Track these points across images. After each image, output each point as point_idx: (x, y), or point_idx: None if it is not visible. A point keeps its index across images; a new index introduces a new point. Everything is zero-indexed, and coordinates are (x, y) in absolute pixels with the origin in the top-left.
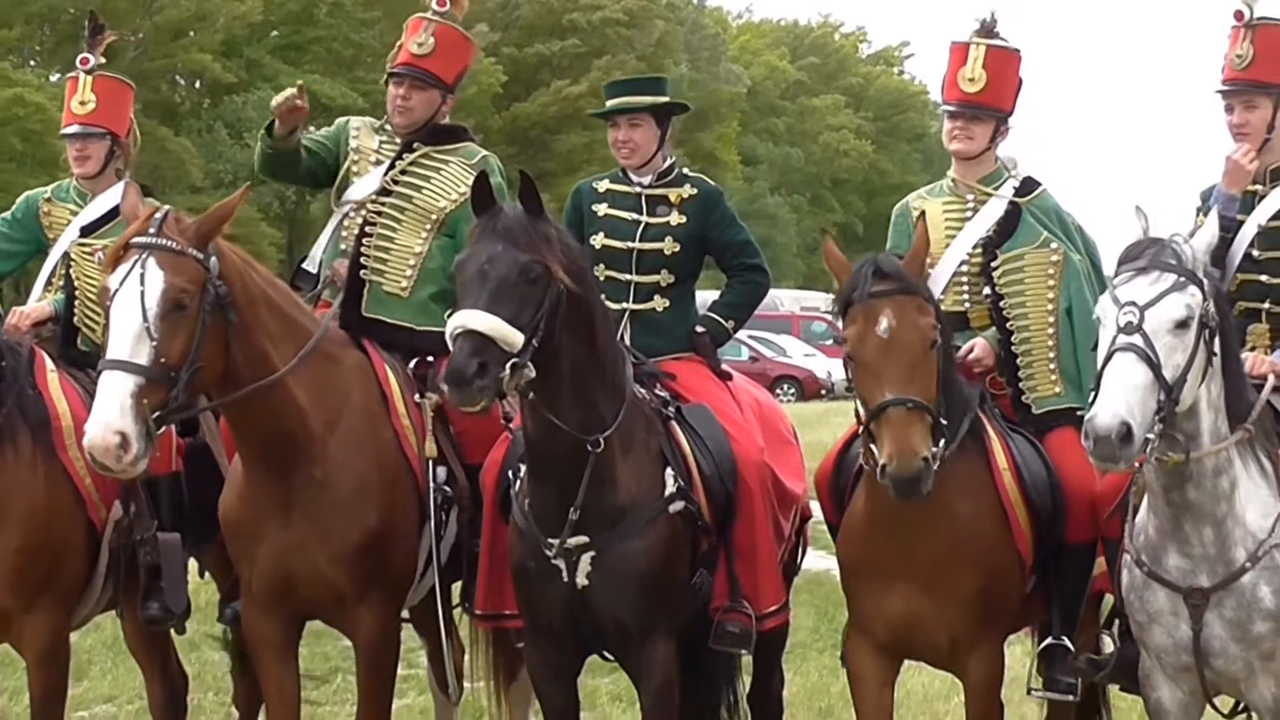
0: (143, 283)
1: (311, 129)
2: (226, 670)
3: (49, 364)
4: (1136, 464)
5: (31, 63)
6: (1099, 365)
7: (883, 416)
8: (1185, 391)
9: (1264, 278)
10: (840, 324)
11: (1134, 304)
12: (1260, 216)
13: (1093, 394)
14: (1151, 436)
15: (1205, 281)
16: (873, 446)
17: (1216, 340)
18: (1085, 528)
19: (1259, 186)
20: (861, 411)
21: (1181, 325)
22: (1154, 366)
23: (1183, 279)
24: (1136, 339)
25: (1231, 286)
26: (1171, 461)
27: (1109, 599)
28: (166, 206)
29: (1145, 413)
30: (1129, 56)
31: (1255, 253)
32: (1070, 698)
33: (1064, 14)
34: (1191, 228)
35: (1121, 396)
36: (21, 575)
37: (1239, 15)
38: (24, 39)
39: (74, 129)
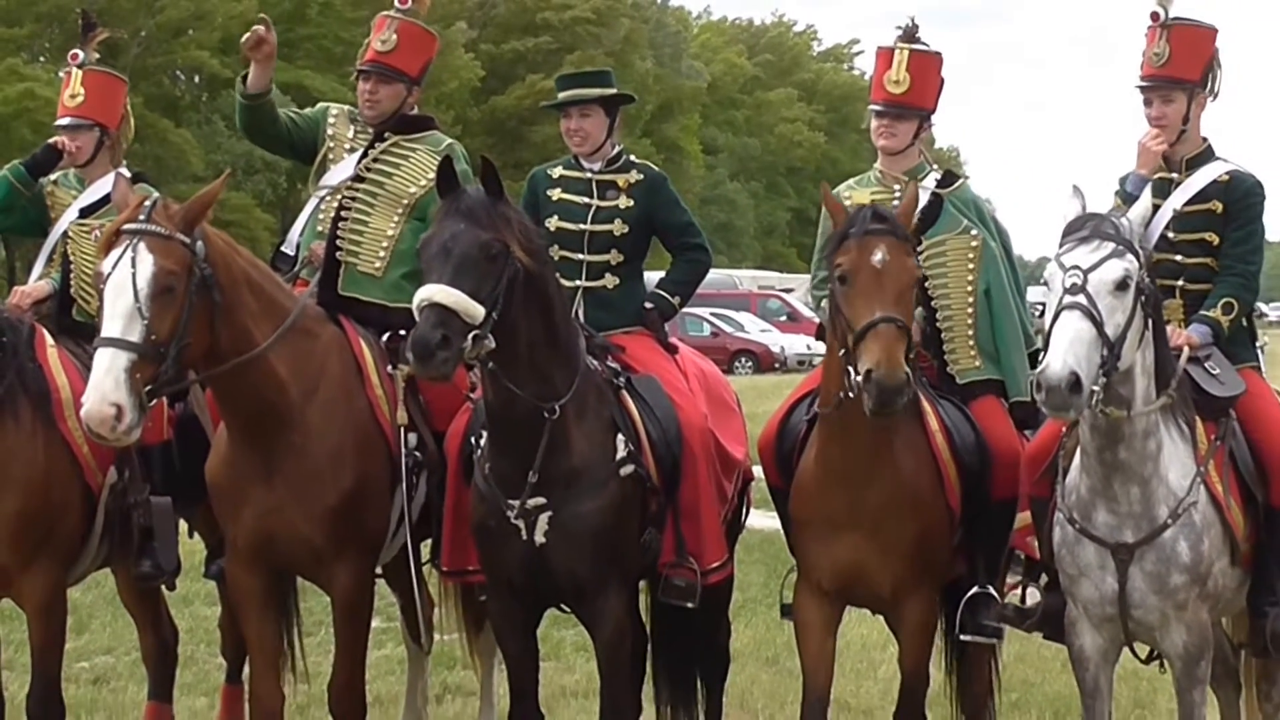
0: (134, 266)
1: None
2: (215, 624)
3: (49, 339)
4: (1065, 427)
5: (41, 59)
6: (1047, 324)
7: (873, 331)
8: (1125, 349)
9: (1178, 257)
10: (834, 257)
11: (1078, 268)
12: (1175, 202)
13: (1043, 351)
14: (1096, 389)
15: (1141, 251)
16: (850, 368)
17: (1156, 308)
18: (1008, 486)
19: (1175, 174)
20: (848, 333)
21: (1121, 286)
22: (1097, 323)
23: (1121, 247)
24: (1081, 298)
25: (1150, 263)
26: (1113, 416)
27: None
28: (155, 194)
29: (1091, 365)
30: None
31: (1171, 235)
32: (995, 640)
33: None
34: (1110, 207)
35: (1070, 349)
36: (21, 535)
37: (1155, 16)
38: (34, 36)
39: (64, 121)
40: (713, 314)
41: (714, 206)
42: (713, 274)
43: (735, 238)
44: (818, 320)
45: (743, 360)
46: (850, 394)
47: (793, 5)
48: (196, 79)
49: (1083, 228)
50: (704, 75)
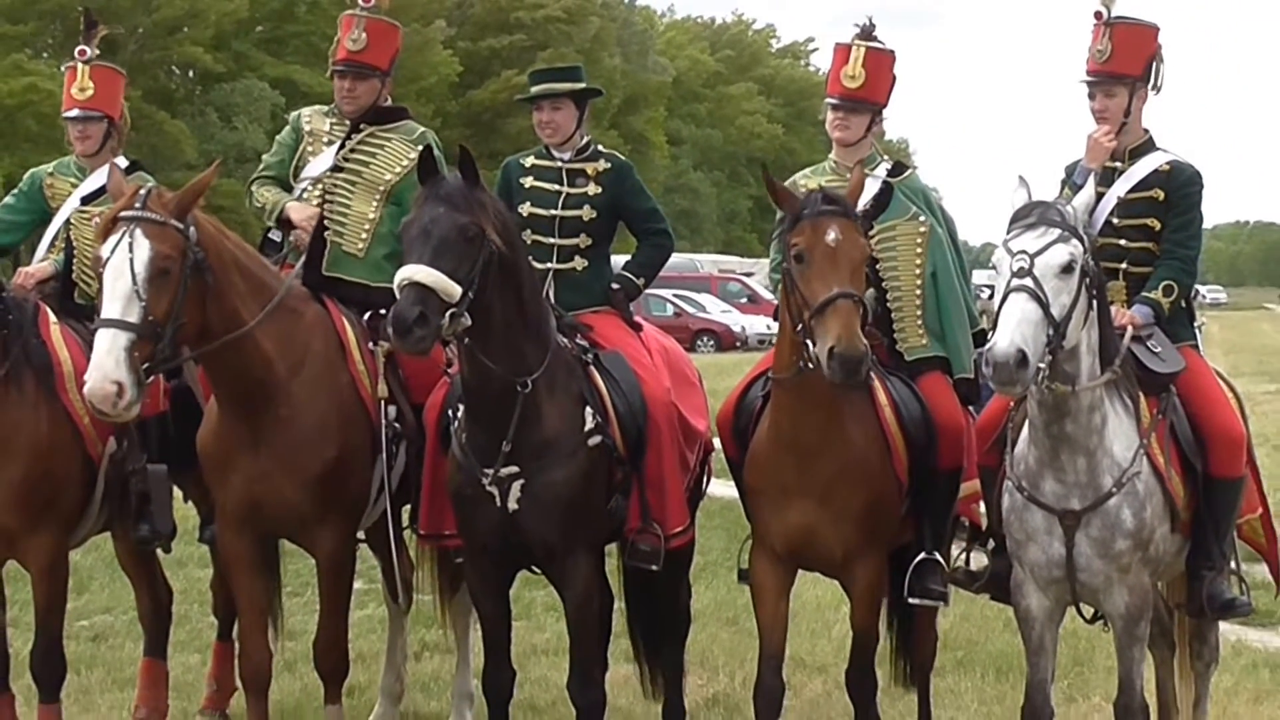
0: (131, 251)
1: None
2: (207, 585)
3: (52, 316)
4: (1013, 402)
5: (44, 54)
6: (996, 306)
7: (831, 307)
8: (1070, 329)
9: (1122, 242)
10: (789, 238)
11: (1025, 252)
12: (1119, 189)
13: (991, 331)
14: (1042, 366)
15: (1085, 237)
16: (808, 342)
17: (1100, 289)
18: (953, 457)
19: (1119, 163)
20: (804, 309)
21: (1066, 270)
22: (1043, 304)
23: (1066, 233)
24: (1028, 281)
25: (1095, 247)
26: (1059, 391)
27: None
28: (150, 183)
29: (1037, 344)
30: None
31: (1115, 220)
32: (942, 604)
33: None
34: (1057, 195)
35: (1017, 328)
36: (26, 501)
37: (1098, 15)
38: (37, 33)
39: (75, 113)
40: (676, 295)
41: (678, 195)
42: (676, 258)
43: (698, 224)
44: (776, 302)
45: (705, 339)
46: (810, 365)
47: (752, 5)
48: (190, 73)
49: (1029, 214)
50: (669, 71)
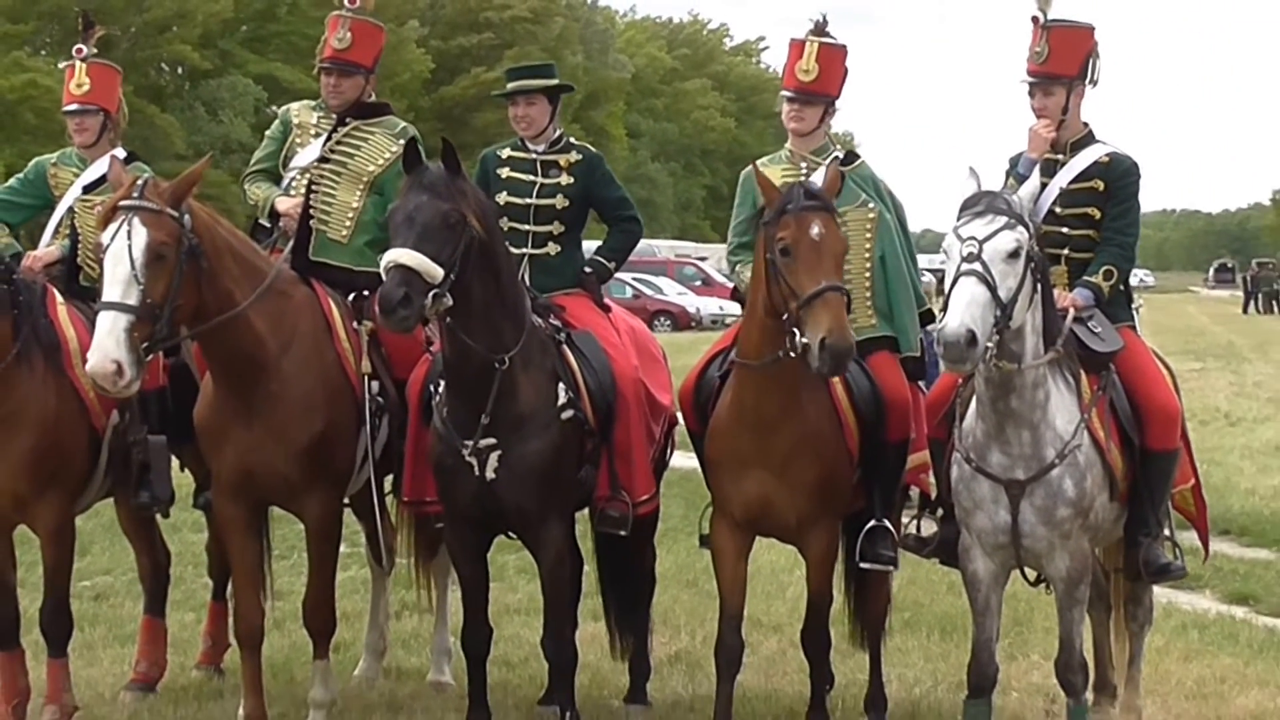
0: (130, 238)
1: (275, 109)
2: (203, 548)
3: (58, 297)
4: (961, 379)
5: (43, 52)
6: (947, 289)
7: (821, 300)
8: (1017, 311)
9: (1064, 229)
10: (774, 231)
11: (974, 239)
12: (1061, 180)
13: (942, 313)
14: (990, 345)
15: (1030, 224)
16: (795, 330)
17: (1040, 273)
18: (901, 430)
19: (1060, 156)
20: (790, 299)
21: (1013, 255)
22: (991, 287)
23: (1012, 220)
24: (977, 265)
25: (1038, 234)
26: (1005, 369)
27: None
28: (147, 174)
29: (985, 324)
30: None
31: (1058, 209)
32: (891, 569)
33: None
34: (1003, 185)
35: (966, 310)
36: (35, 469)
37: (1035, 19)
38: (36, 32)
39: (73, 107)
40: (635, 278)
41: (636, 185)
42: None
43: (655, 212)
44: (731, 284)
45: (661, 320)
46: (792, 354)
47: (707, 5)
48: (179, 70)
49: (979, 203)
50: (628, 68)
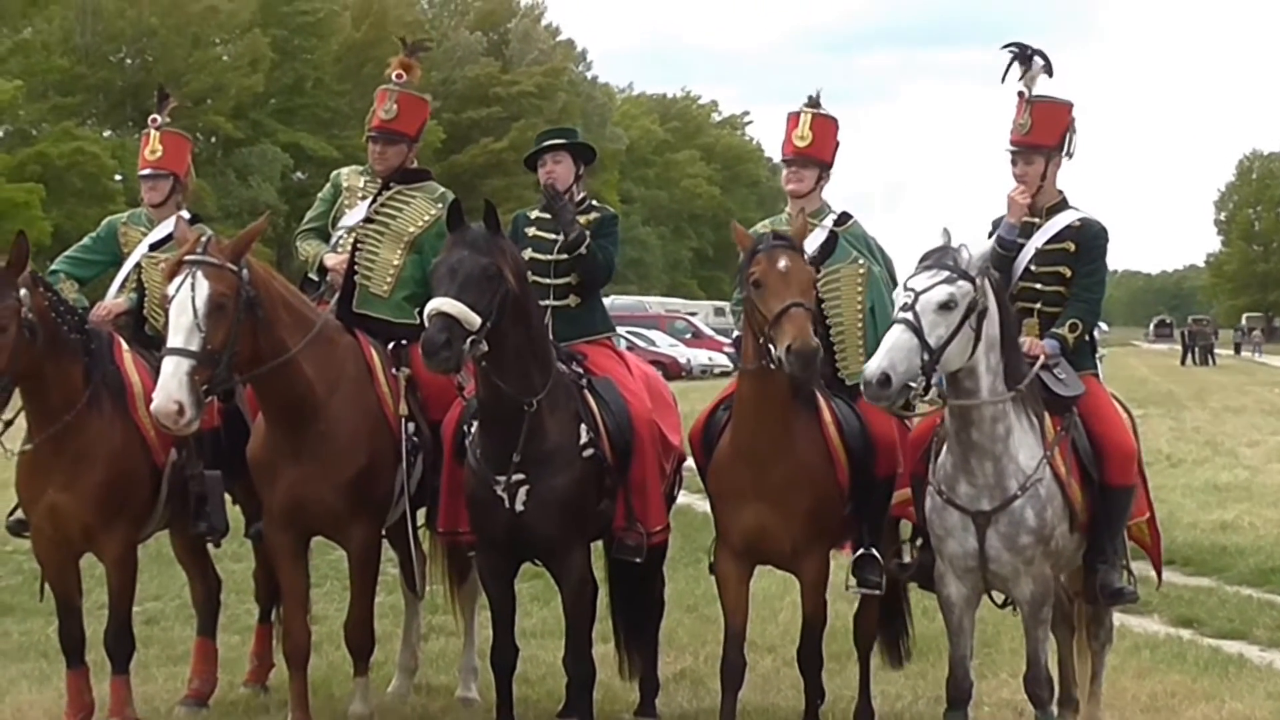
0: (193, 290)
1: (300, 175)
2: (245, 576)
3: (124, 345)
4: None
5: (89, 122)
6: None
7: (785, 315)
8: (948, 356)
9: (1038, 285)
10: (747, 270)
11: (913, 290)
12: (1037, 241)
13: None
14: (914, 385)
15: (978, 279)
16: (770, 346)
17: (985, 322)
18: (888, 466)
19: (1037, 219)
20: (764, 323)
21: (944, 306)
22: (918, 334)
23: (954, 275)
24: (909, 315)
25: (1015, 290)
26: (959, 404)
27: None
28: (210, 232)
29: (909, 367)
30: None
31: (1033, 268)
32: (877, 592)
33: None
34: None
35: (886, 355)
36: (103, 501)
37: (1021, 94)
38: (84, 104)
39: (147, 171)
40: (629, 332)
41: (629, 246)
42: (628, 300)
43: (646, 271)
44: (721, 341)
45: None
46: (772, 364)
47: (698, 82)
48: (213, 139)
49: (929, 258)
50: (624, 139)
